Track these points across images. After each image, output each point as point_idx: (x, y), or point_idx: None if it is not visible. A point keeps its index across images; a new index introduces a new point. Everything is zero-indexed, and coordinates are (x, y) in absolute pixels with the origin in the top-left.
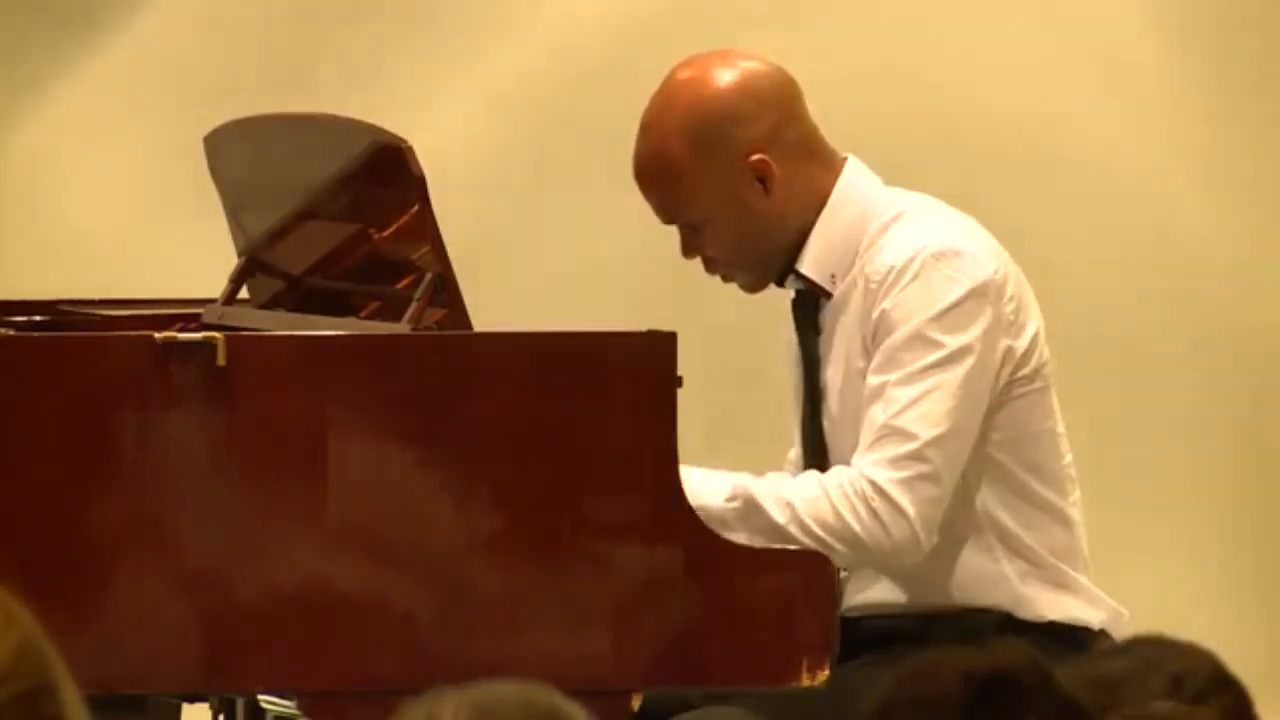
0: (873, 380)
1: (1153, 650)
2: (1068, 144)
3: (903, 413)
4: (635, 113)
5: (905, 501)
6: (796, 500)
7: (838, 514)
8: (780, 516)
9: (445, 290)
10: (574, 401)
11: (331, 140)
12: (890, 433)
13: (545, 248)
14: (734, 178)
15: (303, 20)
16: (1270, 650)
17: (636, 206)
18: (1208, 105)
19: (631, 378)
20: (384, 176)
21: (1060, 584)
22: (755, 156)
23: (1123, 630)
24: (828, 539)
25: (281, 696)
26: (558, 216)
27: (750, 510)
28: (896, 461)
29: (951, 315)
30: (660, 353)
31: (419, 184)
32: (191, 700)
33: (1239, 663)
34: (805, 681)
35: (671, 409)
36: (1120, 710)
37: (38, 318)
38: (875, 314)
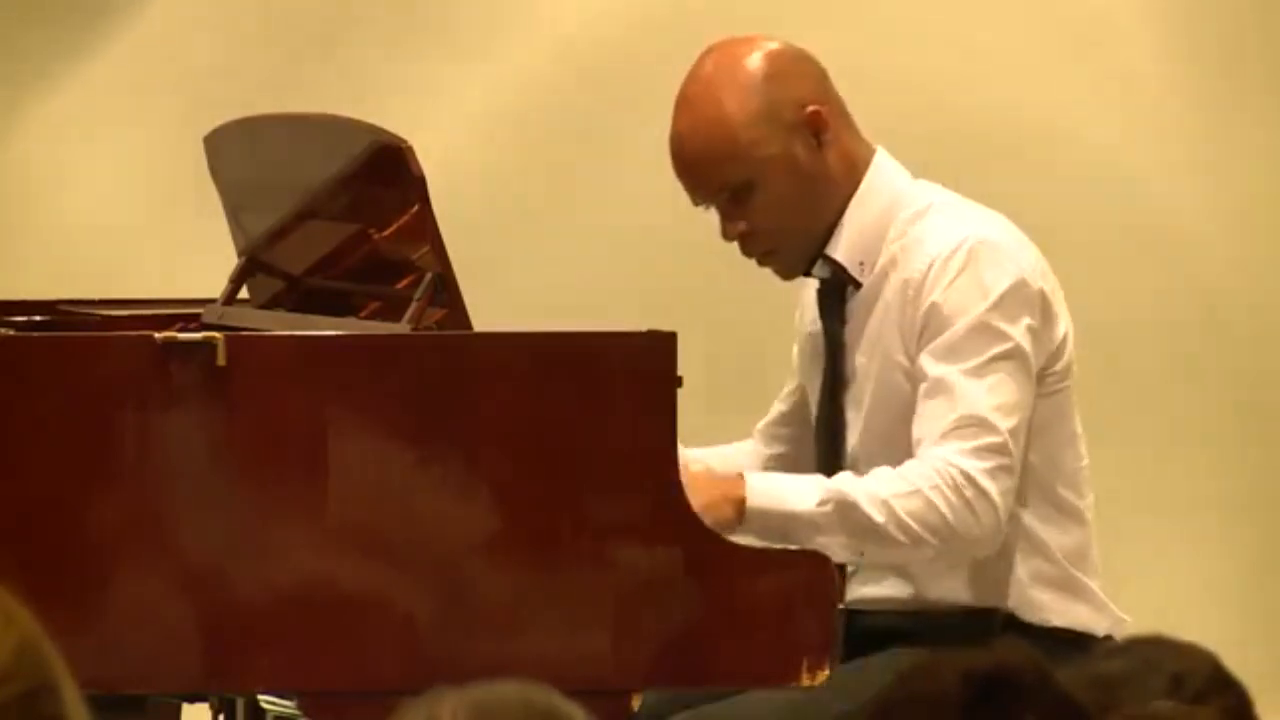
0: (933, 371)
1: (1153, 650)
2: (1068, 144)
3: (980, 403)
4: (635, 112)
5: (993, 490)
6: (891, 497)
7: (933, 506)
8: (879, 515)
9: (445, 290)
10: (574, 401)
11: (331, 140)
12: (970, 423)
13: (545, 248)
14: (789, 132)
15: (303, 21)
16: (1270, 650)
17: (637, 206)
18: (1208, 104)
19: (631, 378)
20: (384, 176)
21: (1069, 589)
22: (810, 108)
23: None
24: (922, 533)
25: (281, 696)
26: (558, 216)
27: (846, 511)
28: (981, 452)
29: (1006, 304)
30: (660, 353)
31: (419, 184)
32: (191, 700)
33: (1239, 663)
34: (805, 681)
35: (671, 409)
36: (1120, 710)
37: (38, 318)
38: (924, 306)
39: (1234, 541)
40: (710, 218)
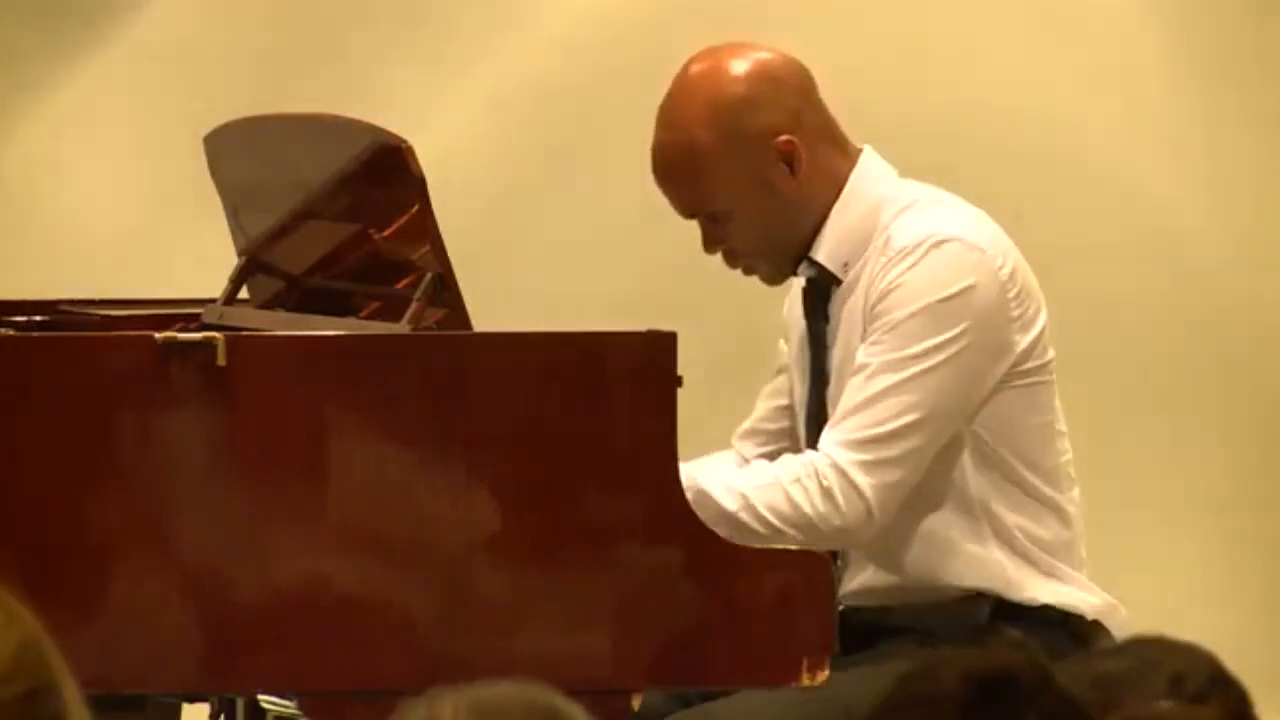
0: (861, 355)
1: (1153, 650)
2: (1067, 143)
3: (882, 393)
4: (635, 112)
5: (864, 482)
6: (748, 488)
7: (789, 498)
8: (732, 505)
9: (445, 290)
10: (574, 401)
11: (331, 140)
12: (863, 410)
13: (545, 248)
14: (760, 162)
15: (303, 20)
16: (1270, 650)
17: (637, 206)
18: (1207, 104)
19: (631, 378)
20: (384, 176)
21: (1052, 575)
22: (781, 138)
23: (1118, 622)
24: (777, 523)
25: (281, 696)
26: (558, 217)
27: (701, 500)
28: (862, 444)
29: (950, 304)
30: (660, 353)
31: (419, 184)
32: (191, 700)
33: (1239, 663)
34: (805, 681)
35: (671, 409)
36: (1120, 710)
37: (38, 318)
38: (875, 295)
39: (1235, 540)
40: None
